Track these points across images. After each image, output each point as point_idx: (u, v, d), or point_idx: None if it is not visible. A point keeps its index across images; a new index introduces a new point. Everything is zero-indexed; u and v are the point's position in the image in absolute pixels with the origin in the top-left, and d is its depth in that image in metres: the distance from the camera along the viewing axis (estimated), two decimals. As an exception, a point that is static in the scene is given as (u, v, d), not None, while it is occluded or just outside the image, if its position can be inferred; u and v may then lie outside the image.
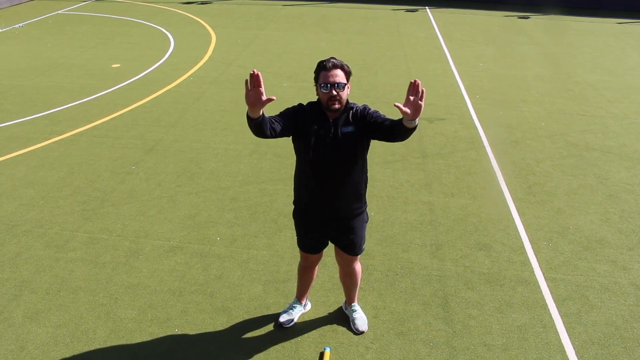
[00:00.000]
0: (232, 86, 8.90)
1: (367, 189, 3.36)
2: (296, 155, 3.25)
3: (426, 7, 16.61)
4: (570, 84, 9.37)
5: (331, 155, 3.09)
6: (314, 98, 3.16)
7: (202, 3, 16.66)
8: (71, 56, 10.59)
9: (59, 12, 15.16)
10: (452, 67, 10.26)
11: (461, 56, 11.05)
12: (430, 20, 14.80)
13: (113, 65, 9.97)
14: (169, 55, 10.72)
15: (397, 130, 2.87)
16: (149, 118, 7.51)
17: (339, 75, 2.96)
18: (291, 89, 8.77)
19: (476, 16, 15.51)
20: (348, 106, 3.09)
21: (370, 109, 3.12)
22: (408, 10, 16.11)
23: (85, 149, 6.54)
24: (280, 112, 3.08)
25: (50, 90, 8.58)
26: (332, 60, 2.98)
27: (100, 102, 8.08)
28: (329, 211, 3.26)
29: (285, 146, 6.62)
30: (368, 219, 3.47)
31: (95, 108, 7.85)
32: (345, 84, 2.99)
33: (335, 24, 14.09)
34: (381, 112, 3.11)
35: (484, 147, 6.77)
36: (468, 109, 8.07)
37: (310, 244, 3.48)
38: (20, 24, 13.43)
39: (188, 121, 7.43)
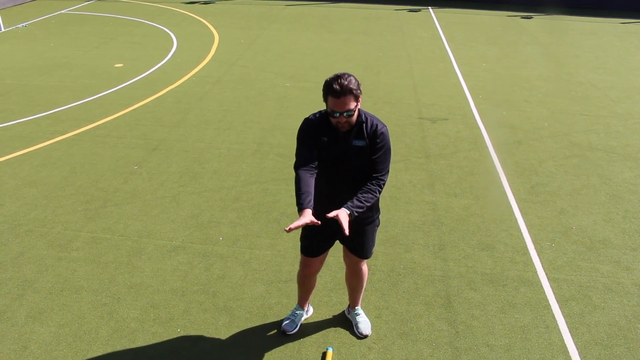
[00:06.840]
0: (234, 86, 8.91)
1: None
2: None
3: (429, 7, 16.59)
4: (573, 84, 9.35)
5: (342, 165, 3.07)
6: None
7: (205, 3, 16.67)
8: (74, 56, 10.61)
9: (62, 11, 15.19)
10: (455, 67, 10.25)
11: (464, 56, 11.04)
12: (433, 20, 14.79)
13: (116, 65, 9.99)
14: (172, 55, 10.74)
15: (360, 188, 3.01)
16: (151, 118, 7.52)
17: (349, 103, 2.84)
18: (293, 89, 8.77)
19: (479, 16, 15.49)
20: (360, 119, 3.01)
21: (382, 141, 3.00)
22: (411, 10, 16.10)
23: (88, 149, 6.55)
24: (301, 144, 3.05)
25: (53, 90, 8.60)
26: (341, 82, 2.80)
27: (103, 102, 8.09)
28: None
29: (287, 146, 6.62)
30: (379, 224, 3.45)
31: (98, 108, 7.86)
32: (355, 109, 2.89)
33: (338, 24, 14.09)
34: (386, 157, 3.04)
35: (487, 147, 6.76)
36: (471, 109, 8.05)
37: (314, 244, 3.42)
38: (24, 24, 13.46)
39: (191, 121, 7.43)
